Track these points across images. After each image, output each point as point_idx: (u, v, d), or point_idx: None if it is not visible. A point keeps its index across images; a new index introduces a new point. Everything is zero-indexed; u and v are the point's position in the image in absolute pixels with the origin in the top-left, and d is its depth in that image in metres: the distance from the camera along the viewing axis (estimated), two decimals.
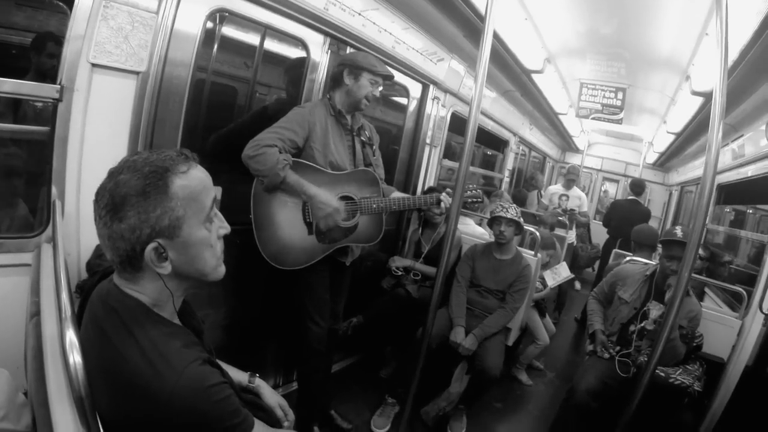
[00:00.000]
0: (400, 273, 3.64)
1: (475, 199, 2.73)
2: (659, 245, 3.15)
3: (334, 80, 2.51)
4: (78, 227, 1.87)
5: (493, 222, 3.40)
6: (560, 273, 4.33)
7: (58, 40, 1.79)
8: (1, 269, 1.74)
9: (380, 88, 2.51)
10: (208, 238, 1.11)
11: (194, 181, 1.07)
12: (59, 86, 1.75)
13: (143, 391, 0.98)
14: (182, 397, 0.99)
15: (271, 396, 1.64)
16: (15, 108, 1.95)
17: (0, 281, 1.72)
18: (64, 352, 0.95)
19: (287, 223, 2.38)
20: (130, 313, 1.06)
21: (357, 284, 3.08)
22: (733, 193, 5.31)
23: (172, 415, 0.99)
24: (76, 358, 0.92)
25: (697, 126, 5.11)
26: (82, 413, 0.91)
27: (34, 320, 1.30)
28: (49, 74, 1.83)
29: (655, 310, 2.88)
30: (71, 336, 0.96)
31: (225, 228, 1.18)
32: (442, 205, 2.59)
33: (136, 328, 1.04)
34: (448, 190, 2.60)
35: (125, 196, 0.98)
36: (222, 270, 1.19)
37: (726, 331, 3.04)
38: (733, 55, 2.90)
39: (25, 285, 1.67)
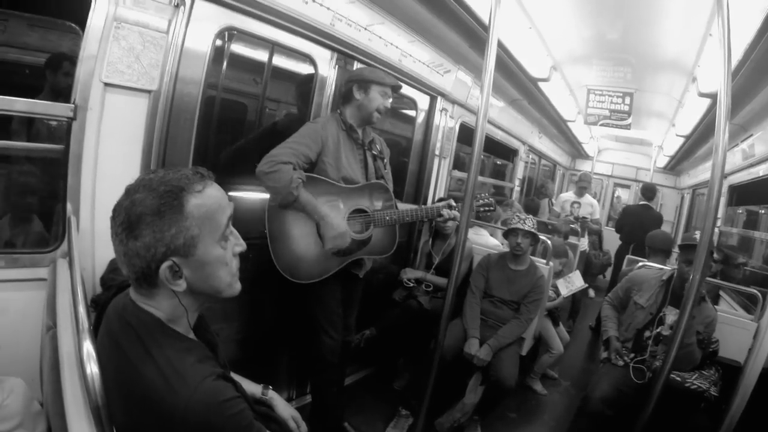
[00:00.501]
0: (411, 285, 3.64)
1: (487, 208, 2.74)
2: (677, 250, 3.12)
3: (345, 97, 2.54)
4: (93, 242, 1.90)
5: (510, 233, 3.40)
6: (574, 282, 4.30)
7: (71, 59, 1.84)
8: (17, 284, 1.77)
9: (390, 100, 2.54)
10: (223, 257, 1.12)
11: (209, 200, 1.07)
12: (73, 105, 1.80)
13: (158, 406, 0.98)
14: (196, 413, 0.99)
15: (284, 408, 1.64)
16: (29, 126, 2.00)
17: (16, 295, 1.75)
18: (81, 363, 0.96)
19: (302, 236, 2.40)
20: (146, 328, 1.07)
21: (369, 296, 3.08)
22: (746, 194, 5.26)
23: (186, 429, 0.99)
24: (93, 368, 0.94)
25: (706, 128, 5.08)
26: (98, 423, 0.93)
27: (51, 333, 1.32)
28: (63, 93, 1.88)
29: (671, 315, 2.85)
30: (88, 347, 0.97)
31: (241, 245, 1.18)
32: (445, 213, 2.59)
33: (151, 343, 1.05)
34: (451, 202, 2.60)
35: (140, 215, 0.99)
36: (237, 287, 1.19)
37: (742, 334, 3.00)
38: (738, 54, 2.88)
39: (41, 299, 1.70)
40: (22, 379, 1.29)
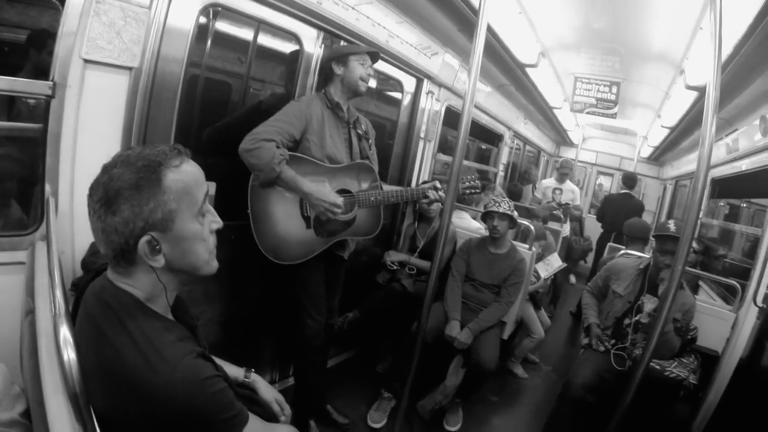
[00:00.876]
0: (395, 267, 3.65)
1: (472, 190, 2.74)
2: (652, 239, 3.16)
3: (326, 76, 2.54)
4: (72, 224, 1.86)
5: (487, 216, 3.41)
6: (552, 263, 4.34)
7: (53, 36, 1.78)
8: None
9: (371, 69, 2.53)
10: (200, 232, 1.12)
11: (187, 175, 1.08)
12: (52, 83, 1.74)
13: (137, 385, 0.98)
14: (176, 390, 0.99)
15: (267, 391, 1.65)
16: (10, 106, 1.94)
17: None
18: (58, 349, 0.95)
19: (285, 217, 2.38)
20: (124, 307, 1.06)
21: (352, 279, 3.08)
22: (728, 187, 5.33)
23: (167, 408, 0.99)
24: (70, 354, 0.93)
25: (692, 120, 5.13)
26: (77, 408, 0.92)
27: (29, 318, 1.30)
28: (44, 71, 1.82)
29: (649, 303, 2.89)
30: (65, 333, 0.96)
31: (217, 222, 1.19)
32: (431, 194, 2.59)
33: (130, 321, 1.04)
34: (436, 183, 2.60)
35: (119, 189, 0.99)
36: (215, 264, 1.19)
37: (720, 324, 3.06)
38: (728, 49, 2.90)
39: (20, 283, 1.67)
40: (2, 363, 1.27)
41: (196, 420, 1.04)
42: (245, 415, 1.19)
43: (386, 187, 2.63)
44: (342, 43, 2.87)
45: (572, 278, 7.65)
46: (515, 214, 3.37)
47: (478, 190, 2.76)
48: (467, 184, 2.73)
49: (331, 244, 2.51)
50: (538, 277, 4.15)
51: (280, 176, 2.23)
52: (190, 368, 1.03)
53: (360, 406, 3.19)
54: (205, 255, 1.15)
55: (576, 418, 2.81)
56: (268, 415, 1.56)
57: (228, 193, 2.34)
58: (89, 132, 1.86)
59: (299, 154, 2.37)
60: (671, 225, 2.88)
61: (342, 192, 2.46)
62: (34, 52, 1.96)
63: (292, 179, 2.26)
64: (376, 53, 2.56)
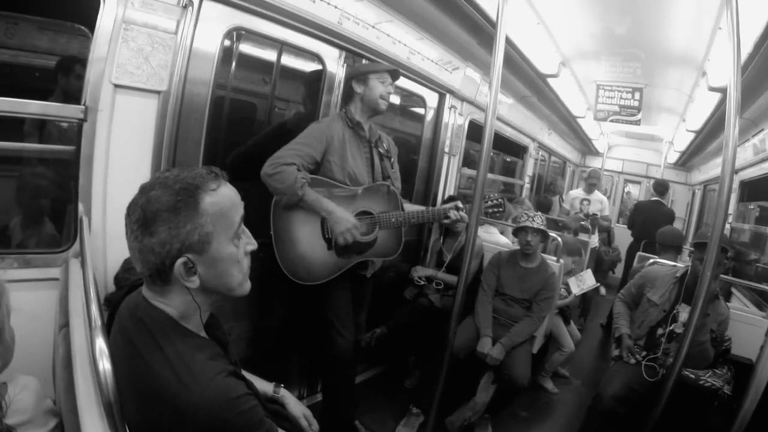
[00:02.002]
0: (422, 283, 3.63)
1: (495, 209, 2.72)
2: (690, 247, 3.10)
3: (347, 95, 2.56)
4: (104, 242, 1.92)
5: (519, 232, 3.38)
6: (585, 281, 4.27)
7: (82, 62, 1.86)
8: (29, 283, 1.79)
9: (392, 86, 2.54)
10: (235, 254, 1.13)
11: (223, 198, 1.09)
12: (84, 107, 1.81)
13: (169, 403, 0.99)
14: (207, 409, 1.00)
15: (296, 406, 1.66)
16: (41, 128, 2.02)
17: (28, 295, 1.77)
18: (93, 360, 0.98)
19: (306, 239, 2.40)
20: (158, 325, 1.08)
21: (380, 295, 3.09)
22: (757, 190, 5.19)
23: (197, 425, 1.00)
24: (105, 365, 0.95)
25: (717, 122, 5.02)
26: (111, 419, 0.94)
27: (63, 331, 1.34)
28: (74, 95, 1.90)
29: (684, 313, 2.82)
30: (101, 344, 0.98)
31: (252, 244, 1.19)
32: (452, 215, 2.55)
33: (164, 340, 1.06)
34: (458, 203, 2.58)
35: (157, 211, 1.01)
36: (248, 286, 1.20)
37: (754, 331, 2.96)
38: (748, 47, 2.84)
39: (53, 299, 1.72)
40: (35, 377, 1.31)
41: None
42: (274, 431, 1.19)
43: (408, 207, 2.63)
44: (363, 61, 2.91)
45: (602, 290, 7.49)
46: (546, 228, 3.34)
47: (501, 209, 2.73)
48: (490, 203, 2.71)
49: (353, 265, 2.51)
50: (568, 291, 4.09)
51: (303, 199, 2.26)
52: (221, 387, 1.04)
53: (388, 422, 3.17)
54: (239, 277, 1.16)
55: (607, 431, 2.74)
56: (296, 430, 1.57)
57: (256, 211, 2.37)
58: (120, 153, 1.93)
59: (320, 177, 2.39)
60: None
61: (363, 214, 2.47)
62: (62, 77, 2.04)
63: (316, 200, 2.29)
64: (396, 71, 2.57)
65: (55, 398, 1.28)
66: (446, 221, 2.58)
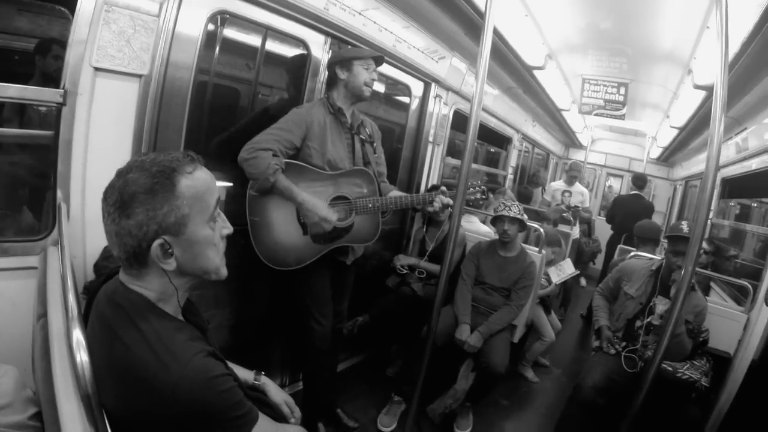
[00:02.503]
0: (404, 271, 3.64)
1: (480, 197, 2.71)
2: (664, 240, 3.14)
3: (330, 81, 2.54)
4: (83, 229, 1.89)
5: (497, 221, 3.40)
6: (565, 269, 4.33)
7: (62, 44, 1.81)
8: (7, 272, 1.76)
9: (375, 72, 2.52)
10: (211, 237, 1.15)
11: (199, 181, 1.11)
12: (63, 90, 1.77)
13: (148, 383, 1.00)
14: (187, 388, 1.01)
15: (277, 393, 1.66)
16: (21, 113, 1.97)
17: (7, 284, 1.74)
18: (71, 351, 0.97)
19: (282, 224, 2.39)
20: (135, 307, 1.08)
21: (362, 283, 3.09)
22: (738, 187, 5.28)
23: (177, 406, 1.01)
24: (83, 356, 0.95)
25: (700, 120, 5.10)
26: (89, 409, 0.93)
27: (41, 321, 1.32)
28: (53, 78, 1.85)
29: (661, 305, 2.88)
30: (78, 335, 0.98)
31: (228, 228, 1.21)
32: (435, 204, 2.53)
33: (141, 321, 1.06)
34: (443, 189, 2.57)
35: (134, 193, 1.02)
36: (224, 270, 1.22)
37: (732, 325, 3.03)
38: (735, 47, 2.88)
39: (32, 288, 1.69)
40: (14, 366, 1.29)
41: (206, 418, 1.05)
42: (255, 413, 1.20)
43: (396, 193, 2.62)
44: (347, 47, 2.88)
45: (582, 281, 7.60)
46: (525, 217, 3.36)
47: (485, 198, 2.73)
48: (471, 190, 2.69)
49: (333, 250, 2.51)
50: (548, 281, 4.14)
51: (274, 185, 2.24)
52: (201, 366, 1.05)
53: (370, 410, 3.19)
54: (216, 260, 1.18)
55: (586, 420, 2.79)
56: (277, 417, 1.57)
57: (237, 198, 2.35)
58: (100, 139, 1.89)
59: (298, 162, 2.37)
60: (684, 226, 2.86)
61: (339, 198, 2.45)
62: (40, 59, 1.99)
63: (287, 189, 2.27)
64: (380, 57, 2.54)
65: (35, 389, 1.26)
66: (430, 209, 2.55)
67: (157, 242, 1.05)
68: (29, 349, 1.44)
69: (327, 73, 2.56)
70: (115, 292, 1.11)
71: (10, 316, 1.69)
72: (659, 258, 3.25)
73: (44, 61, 1.98)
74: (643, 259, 3.45)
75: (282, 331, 3.03)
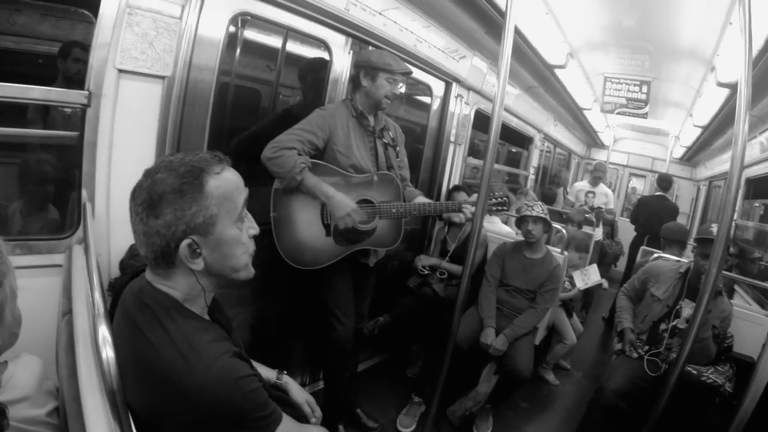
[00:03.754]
0: (426, 272, 3.63)
1: (500, 208, 2.68)
2: (693, 243, 3.08)
3: (353, 83, 2.52)
4: (108, 228, 1.92)
5: (521, 222, 3.37)
6: (590, 276, 4.27)
7: (84, 46, 1.84)
8: (33, 270, 1.79)
9: (400, 86, 2.50)
10: (239, 237, 1.15)
11: (227, 182, 1.11)
12: (87, 92, 1.80)
13: (174, 383, 1.00)
14: (212, 389, 1.01)
15: (299, 393, 1.66)
16: (44, 114, 2.00)
17: (32, 281, 1.75)
18: (96, 348, 0.98)
19: (305, 224, 2.39)
20: (162, 307, 1.09)
21: (383, 283, 3.08)
22: (763, 187, 5.16)
23: (203, 406, 1.01)
24: (108, 352, 0.95)
25: (724, 118, 4.99)
26: (113, 405, 0.94)
27: (66, 318, 1.33)
28: (76, 81, 1.88)
29: (688, 308, 2.82)
30: (104, 331, 0.98)
31: (254, 229, 1.21)
32: (463, 215, 2.52)
33: (168, 321, 1.07)
34: (467, 198, 2.53)
35: (162, 193, 1.02)
36: (251, 270, 1.22)
37: (756, 329, 2.95)
38: (758, 44, 2.81)
39: (57, 285, 1.71)
40: (39, 357, 1.31)
41: (230, 418, 1.05)
42: (279, 414, 1.20)
43: (421, 200, 2.60)
44: (370, 48, 2.88)
45: (605, 283, 7.50)
46: (548, 217, 3.32)
47: (506, 208, 2.70)
48: (494, 201, 2.65)
49: (356, 252, 2.50)
50: (572, 284, 4.09)
51: (302, 183, 2.24)
52: (226, 367, 1.05)
53: (390, 411, 3.18)
54: (244, 259, 1.18)
55: (608, 425, 2.74)
56: (299, 416, 1.57)
57: (260, 198, 2.36)
58: (124, 139, 1.92)
59: (323, 163, 2.38)
60: (714, 229, 2.80)
61: (363, 202, 2.45)
62: (61, 62, 2.02)
63: (315, 185, 2.27)
64: (409, 73, 2.52)
65: (58, 385, 1.28)
66: (456, 220, 2.53)
67: (185, 242, 1.05)
68: (53, 347, 1.46)
69: (351, 74, 2.55)
70: (142, 291, 1.12)
71: (34, 314, 1.71)
72: (687, 261, 3.19)
73: (66, 64, 2.02)
74: (670, 261, 3.38)
75: (303, 330, 3.04)
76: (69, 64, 2.00)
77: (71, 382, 1.08)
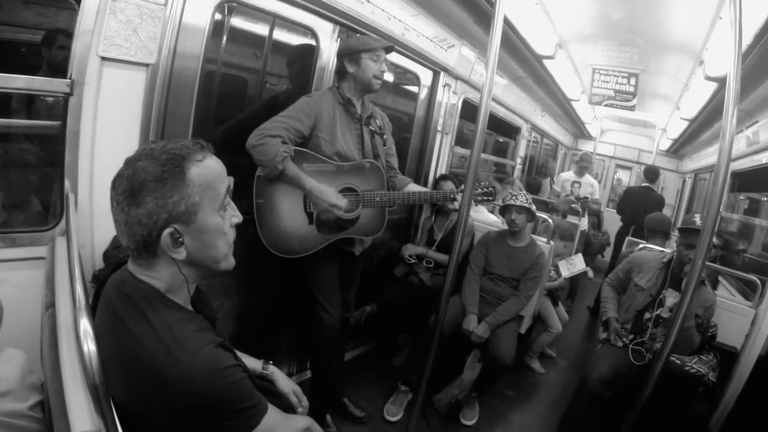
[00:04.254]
0: (413, 261, 3.64)
1: (485, 198, 2.69)
2: (676, 233, 3.12)
3: (339, 73, 2.51)
4: (91, 219, 1.89)
5: (504, 210, 3.39)
6: (575, 264, 4.31)
7: (68, 34, 1.80)
8: (16, 263, 1.77)
9: (385, 64, 2.48)
10: (221, 226, 1.14)
11: (209, 169, 1.09)
12: (70, 80, 1.77)
13: (158, 374, 0.99)
14: (196, 380, 1.00)
15: (285, 382, 1.66)
16: (28, 104, 1.97)
17: (15, 274, 1.75)
18: (78, 341, 0.96)
19: (288, 212, 2.39)
20: (144, 298, 1.08)
21: (370, 272, 3.09)
22: (748, 181, 5.22)
23: (187, 397, 1.00)
24: (90, 346, 0.94)
25: (711, 112, 5.04)
26: (96, 399, 0.93)
27: (49, 311, 1.32)
28: (61, 69, 1.84)
29: (671, 297, 2.86)
30: (86, 325, 0.97)
31: (237, 217, 1.20)
32: (456, 204, 2.52)
33: (151, 312, 1.06)
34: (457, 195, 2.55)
35: (143, 182, 1.01)
36: (232, 260, 1.21)
37: (739, 320, 3.00)
38: (748, 39, 2.83)
39: (40, 278, 1.70)
40: (23, 351, 1.29)
41: (215, 409, 1.05)
42: (264, 405, 1.19)
43: (413, 188, 2.61)
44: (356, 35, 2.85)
45: (590, 273, 7.53)
46: (533, 207, 3.34)
47: (492, 198, 2.71)
48: (480, 191, 2.68)
49: (341, 241, 2.50)
50: (557, 273, 4.13)
51: (283, 173, 2.23)
52: (210, 357, 1.04)
53: (376, 400, 3.20)
54: (225, 249, 1.17)
55: (593, 413, 2.78)
56: (285, 406, 1.57)
57: (245, 188, 2.35)
58: (108, 128, 1.89)
59: (307, 151, 2.36)
60: (697, 219, 2.84)
61: (347, 190, 2.44)
62: (45, 50, 1.98)
63: (295, 176, 2.26)
64: (390, 47, 2.50)
65: (43, 380, 1.27)
66: (451, 207, 2.53)
67: (167, 231, 1.03)
68: (37, 340, 1.45)
69: (336, 65, 2.53)
70: (124, 282, 1.11)
71: (18, 307, 1.70)
72: (670, 250, 3.23)
73: (51, 53, 1.98)
74: (654, 251, 3.42)
75: (290, 320, 3.03)
76: (54, 52, 1.96)
77: (55, 376, 1.07)
